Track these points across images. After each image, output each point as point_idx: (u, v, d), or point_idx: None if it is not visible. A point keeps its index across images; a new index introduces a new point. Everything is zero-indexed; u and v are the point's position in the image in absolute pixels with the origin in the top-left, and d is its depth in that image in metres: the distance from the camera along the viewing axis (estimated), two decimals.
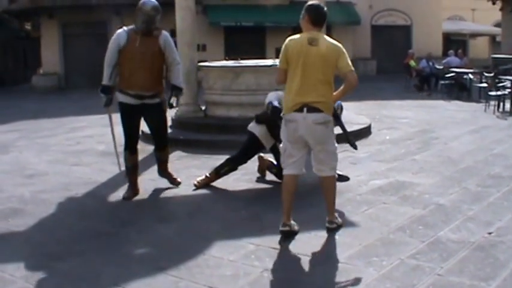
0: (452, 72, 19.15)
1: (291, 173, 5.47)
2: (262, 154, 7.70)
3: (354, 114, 12.18)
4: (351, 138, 6.37)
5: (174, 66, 6.94)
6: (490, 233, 5.40)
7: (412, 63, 22.26)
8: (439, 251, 4.94)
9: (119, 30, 6.83)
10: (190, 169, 8.49)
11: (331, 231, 5.45)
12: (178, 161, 9.05)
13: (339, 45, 5.42)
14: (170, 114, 11.92)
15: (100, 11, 26.25)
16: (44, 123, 14.92)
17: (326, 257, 4.90)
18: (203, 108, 11.94)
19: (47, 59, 28.45)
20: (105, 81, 6.79)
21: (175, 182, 7.37)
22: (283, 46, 5.41)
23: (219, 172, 7.44)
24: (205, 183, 7.35)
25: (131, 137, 6.96)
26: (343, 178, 6.97)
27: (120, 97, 6.84)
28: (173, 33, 23.23)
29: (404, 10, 32.35)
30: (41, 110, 18.18)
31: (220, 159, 8.99)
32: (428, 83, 21.72)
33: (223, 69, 11.54)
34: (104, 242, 5.48)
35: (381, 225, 5.66)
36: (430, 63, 21.79)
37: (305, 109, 5.24)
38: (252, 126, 7.41)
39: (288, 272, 4.61)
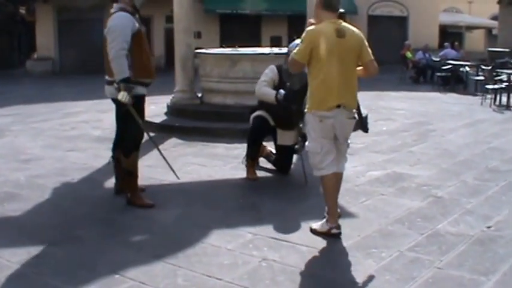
0: (449, 64, 19.13)
1: (334, 171, 5.16)
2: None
3: None
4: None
5: None
6: (488, 227, 5.39)
7: (409, 54, 22.23)
8: (438, 244, 4.93)
9: (123, 13, 5.96)
10: (186, 156, 8.46)
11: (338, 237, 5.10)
12: (174, 148, 9.00)
13: (359, 32, 5.22)
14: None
15: None
16: (39, 108, 14.84)
17: (325, 248, 4.87)
18: (199, 95, 11.88)
19: (42, 43, 28.36)
20: (126, 73, 5.78)
21: None
22: (306, 38, 5.06)
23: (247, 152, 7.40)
24: (248, 170, 7.31)
25: (139, 138, 6.25)
26: None
27: (141, 90, 6.04)
28: (169, 20, 23.14)
29: (401, 1, 32.34)
30: (35, 95, 18.11)
31: (216, 146, 9.03)
32: (424, 75, 21.72)
33: (220, 57, 11.48)
34: (101, 229, 5.44)
35: (379, 217, 5.64)
36: (427, 55, 21.78)
37: (342, 106, 5.03)
38: (250, 119, 7.41)
39: (286, 262, 4.57)
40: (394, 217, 5.63)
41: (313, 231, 5.19)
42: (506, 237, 5.13)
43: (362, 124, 5.87)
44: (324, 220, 5.19)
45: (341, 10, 5.32)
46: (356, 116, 5.24)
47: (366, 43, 5.19)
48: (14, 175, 7.41)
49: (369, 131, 5.83)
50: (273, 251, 4.79)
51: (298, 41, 7.33)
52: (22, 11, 35.35)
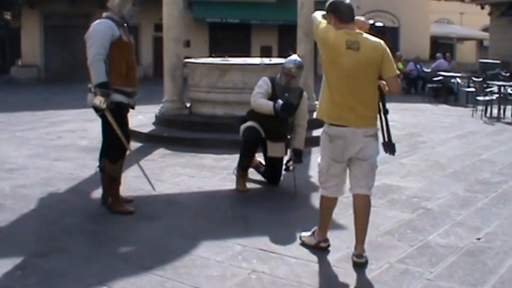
0: (440, 75, 19.29)
1: (334, 196, 4.99)
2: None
3: None
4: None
5: None
6: (478, 239, 5.46)
7: (400, 65, 22.34)
8: (428, 256, 4.99)
9: (105, 20, 6.07)
10: (175, 167, 8.48)
11: (359, 267, 4.74)
12: (162, 159, 9.03)
13: (382, 43, 4.74)
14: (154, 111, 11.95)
15: (83, 3, 26.16)
16: (24, 116, 14.81)
17: (314, 260, 4.91)
18: (188, 105, 11.92)
19: (27, 50, 28.30)
20: (103, 77, 5.87)
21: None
22: (327, 28, 4.71)
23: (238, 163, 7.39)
24: (242, 181, 7.32)
25: (123, 144, 6.25)
26: None
27: (118, 97, 6.04)
28: (158, 28, 23.19)
29: (392, 12, 32.55)
30: (20, 103, 18.08)
31: (205, 157, 9.05)
32: (415, 86, 21.90)
33: (209, 67, 11.54)
34: (88, 240, 5.46)
35: (369, 229, 5.66)
36: (418, 66, 21.97)
37: (351, 126, 4.69)
38: (241, 130, 7.44)
39: (276, 274, 4.61)
40: (384, 229, 5.69)
41: (302, 241, 5.24)
42: (496, 248, 5.20)
43: (389, 146, 4.96)
44: (313, 232, 5.21)
45: (378, 24, 5.11)
46: (376, 132, 4.82)
47: (390, 56, 4.75)
48: None
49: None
50: (262, 263, 4.83)
51: (294, 56, 7.43)
52: (7, 16, 35.27)
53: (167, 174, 7.86)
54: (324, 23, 4.79)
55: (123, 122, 6.19)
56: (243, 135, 7.31)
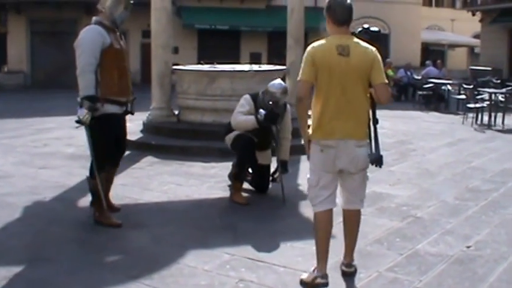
0: (431, 82, 19.41)
1: (328, 207, 4.67)
2: None
3: None
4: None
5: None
6: (468, 247, 5.51)
7: (390, 72, 22.45)
8: (417, 264, 5.03)
9: (94, 27, 5.92)
10: (162, 175, 8.49)
11: (349, 276, 4.75)
12: (150, 167, 9.04)
13: (374, 49, 4.58)
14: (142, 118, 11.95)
15: (70, 9, 26.15)
16: (9, 123, 14.77)
17: (302, 269, 4.92)
18: (176, 112, 11.94)
19: (13, 56, 28.27)
20: (91, 90, 5.75)
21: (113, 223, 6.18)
22: (307, 55, 4.53)
23: (236, 174, 7.32)
24: (237, 194, 7.22)
25: (112, 156, 6.24)
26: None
27: (110, 108, 5.92)
28: (145, 34, 23.18)
29: (382, 18, 32.64)
30: (5, 109, 17.99)
31: (193, 165, 9.07)
32: (406, 93, 22.02)
33: (198, 73, 11.57)
34: (74, 249, 5.45)
35: (358, 237, 5.71)
36: (408, 73, 22.10)
37: (344, 136, 4.52)
38: (227, 140, 7.46)
39: (264, 283, 4.63)
40: (373, 237, 5.72)
41: (300, 280, 4.66)
42: (486, 256, 5.25)
43: (376, 158, 4.75)
44: (313, 269, 4.69)
45: (373, 29, 4.98)
46: (368, 143, 4.66)
47: (380, 63, 4.59)
48: None
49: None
50: (250, 272, 4.85)
51: (278, 80, 7.40)
52: None
53: (155, 183, 7.87)
54: (301, 70, 4.55)
55: (111, 132, 6.05)
56: (238, 145, 7.25)
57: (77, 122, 5.85)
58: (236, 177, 7.25)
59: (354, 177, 4.67)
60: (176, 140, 10.68)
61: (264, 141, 7.26)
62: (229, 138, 7.38)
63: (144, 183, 7.77)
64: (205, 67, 12.08)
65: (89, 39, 5.83)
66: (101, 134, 5.93)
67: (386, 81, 4.67)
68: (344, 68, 4.45)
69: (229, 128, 7.42)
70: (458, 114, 16.92)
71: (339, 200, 4.81)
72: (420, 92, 19.82)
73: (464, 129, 14.32)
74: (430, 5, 38.20)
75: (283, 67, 12.12)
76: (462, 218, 6.48)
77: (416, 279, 4.70)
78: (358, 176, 4.68)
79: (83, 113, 5.73)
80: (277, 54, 23.10)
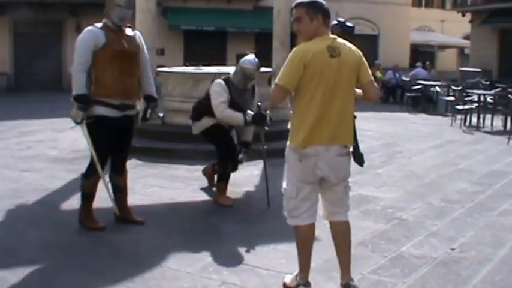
0: (419, 84, 19.55)
1: (310, 222, 4.51)
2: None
3: None
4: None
5: (148, 71, 6.40)
6: (453, 249, 5.60)
7: (378, 74, 22.63)
8: (401, 267, 5.11)
9: (90, 28, 6.01)
10: (146, 178, 8.53)
11: None
12: (134, 170, 9.03)
13: (356, 49, 4.54)
14: None
15: (55, 10, 26.10)
16: None
17: (285, 271, 4.96)
18: (161, 115, 11.94)
19: None
20: (81, 89, 5.82)
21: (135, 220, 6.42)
22: (295, 55, 4.34)
23: (220, 175, 7.42)
24: (222, 196, 7.31)
25: (105, 159, 6.20)
26: None
27: (99, 109, 5.93)
28: None
29: (371, 19, 32.81)
30: None
31: (178, 168, 9.10)
32: (394, 95, 22.16)
33: (183, 75, 11.60)
34: (57, 252, 5.48)
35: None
36: (397, 75, 22.24)
37: (331, 142, 4.38)
38: (198, 127, 7.42)
39: (246, 286, 4.69)
40: (357, 240, 5.75)
41: (283, 283, 4.72)
42: (470, 258, 5.34)
43: (357, 157, 5.13)
44: (296, 274, 4.69)
45: (349, 24, 5.13)
46: (350, 151, 4.57)
47: (365, 61, 4.55)
48: None
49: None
50: (233, 275, 4.91)
51: (251, 56, 7.22)
52: None
53: (139, 185, 7.91)
54: (281, 73, 4.35)
55: (101, 135, 6.01)
56: (219, 141, 7.28)
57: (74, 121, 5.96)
58: (220, 178, 7.32)
59: (335, 189, 4.50)
60: (161, 142, 10.71)
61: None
62: (202, 125, 7.31)
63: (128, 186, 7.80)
64: (190, 69, 12.12)
65: (80, 40, 5.95)
66: (92, 135, 5.99)
67: (373, 78, 4.64)
68: (335, 70, 4.31)
69: (199, 113, 7.36)
70: (447, 116, 17.08)
71: (321, 211, 4.67)
72: (408, 94, 19.96)
73: (452, 131, 14.46)
74: (419, 5, 38.32)
75: (269, 69, 12.17)
76: (447, 220, 6.57)
77: (400, 282, 4.77)
78: (341, 187, 4.52)
79: (74, 113, 5.85)
80: (264, 56, 23.16)
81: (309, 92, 4.31)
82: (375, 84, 4.66)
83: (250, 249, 5.55)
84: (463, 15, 30.04)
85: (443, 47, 37.51)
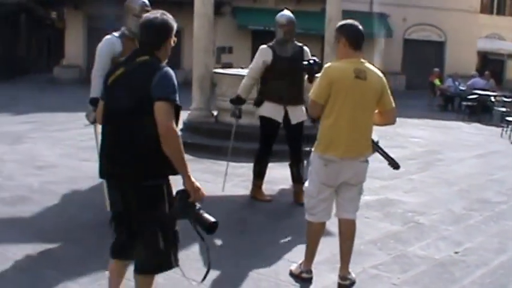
0: (475, 94, 19.71)
1: (323, 221, 5.15)
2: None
3: None
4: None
5: None
6: (456, 252, 6.10)
7: (437, 82, 22.83)
8: (401, 264, 5.67)
9: (109, 37, 6.65)
10: (193, 172, 9.06)
11: None
12: None
13: (381, 75, 5.00)
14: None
15: None
16: (61, 116, 15.83)
17: (296, 259, 5.48)
18: (215, 113, 12.68)
19: (70, 50, 29.43)
20: (95, 93, 6.22)
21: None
22: (324, 76, 4.88)
23: (256, 174, 7.94)
24: (257, 192, 7.89)
25: None
26: None
27: None
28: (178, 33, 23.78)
29: (439, 25, 32.82)
30: (59, 103, 19.09)
31: (224, 165, 9.71)
32: (452, 103, 22.29)
33: (236, 77, 12.25)
34: (100, 232, 6.04)
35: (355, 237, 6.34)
36: (456, 83, 22.35)
37: (351, 154, 4.91)
38: (259, 112, 7.96)
39: (252, 271, 5.33)
40: (369, 238, 6.34)
41: (290, 271, 5.33)
42: (468, 262, 5.84)
43: (391, 161, 5.38)
44: (300, 263, 5.32)
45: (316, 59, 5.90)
46: (368, 160, 5.09)
47: (388, 87, 4.99)
48: (28, 180, 8.33)
49: (377, 157, 5.36)
50: (262, 263, 5.56)
51: (285, 11, 8.09)
52: (53, 15, 36.64)
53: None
54: (314, 87, 4.97)
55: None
56: (261, 134, 7.90)
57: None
58: (255, 175, 7.91)
59: (351, 188, 5.05)
60: (212, 139, 11.40)
61: (297, 93, 7.59)
62: (259, 112, 7.94)
63: (174, 179, 8.47)
64: (244, 71, 12.78)
65: (99, 48, 6.62)
66: None
67: (394, 105, 5.07)
68: (359, 91, 4.78)
69: (259, 99, 8.02)
70: (501, 126, 17.22)
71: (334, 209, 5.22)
72: (465, 103, 20.14)
73: (500, 142, 14.74)
74: (490, 12, 37.99)
75: None
76: (461, 226, 7.04)
77: (395, 277, 5.33)
78: (356, 189, 5.10)
79: (88, 115, 6.69)
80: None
81: (334, 107, 4.82)
82: (395, 112, 5.10)
83: (278, 241, 6.16)
84: None
85: None
